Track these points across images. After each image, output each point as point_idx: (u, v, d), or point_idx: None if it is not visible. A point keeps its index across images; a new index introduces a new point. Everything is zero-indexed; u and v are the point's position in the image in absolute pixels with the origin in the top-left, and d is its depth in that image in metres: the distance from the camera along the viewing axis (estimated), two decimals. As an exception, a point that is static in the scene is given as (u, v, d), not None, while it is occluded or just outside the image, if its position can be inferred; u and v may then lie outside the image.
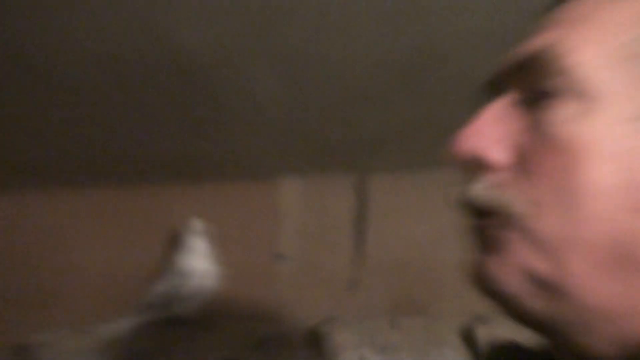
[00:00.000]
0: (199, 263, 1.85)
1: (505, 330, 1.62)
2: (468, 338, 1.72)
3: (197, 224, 1.86)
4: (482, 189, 0.52)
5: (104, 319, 1.88)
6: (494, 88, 0.57)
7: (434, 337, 1.74)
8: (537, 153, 0.50)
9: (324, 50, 1.37)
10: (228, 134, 1.74)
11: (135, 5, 1.23)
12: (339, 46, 1.36)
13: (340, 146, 1.81)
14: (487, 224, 0.52)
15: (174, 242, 1.92)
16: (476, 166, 0.53)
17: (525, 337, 0.59)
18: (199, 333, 1.85)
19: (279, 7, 1.23)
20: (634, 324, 0.47)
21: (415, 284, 1.86)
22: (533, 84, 0.52)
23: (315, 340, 1.78)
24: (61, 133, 1.72)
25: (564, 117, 0.49)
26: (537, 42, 0.52)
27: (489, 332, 1.67)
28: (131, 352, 1.85)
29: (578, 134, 0.48)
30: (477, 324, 1.69)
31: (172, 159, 1.86)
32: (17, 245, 2.03)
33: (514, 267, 0.50)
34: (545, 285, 0.49)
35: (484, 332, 1.66)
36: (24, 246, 2.02)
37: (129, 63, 1.40)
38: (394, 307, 1.85)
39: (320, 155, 1.86)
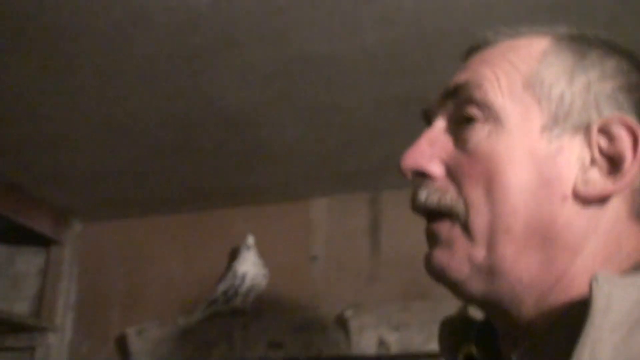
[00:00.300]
0: (251, 268, 1.93)
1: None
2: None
3: (249, 239, 1.95)
4: (427, 194, 0.54)
5: (182, 314, 2.00)
6: (428, 116, 0.60)
7: (438, 316, 1.70)
8: (465, 165, 0.52)
9: (337, 99, 1.51)
10: (268, 168, 1.87)
11: (191, 79, 1.42)
12: (344, 96, 1.49)
13: (356, 171, 1.89)
14: (439, 226, 0.54)
15: (232, 254, 2.03)
16: (420, 178, 0.55)
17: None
18: (252, 322, 1.91)
19: (296, 72, 1.39)
20: (554, 290, 0.49)
21: (421, 275, 1.72)
22: (456, 111, 0.55)
23: (342, 323, 1.81)
24: (143, 175, 1.91)
25: (481, 136, 0.52)
26: (457, 79, 0.56)
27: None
28: (202, 339, 1.93)
29: (493, 148, 0.51)
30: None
31: (227, 189, 2.01)
32: (113, 261, 2.20)
33: (460, 258, 0.51)
34: (483, 270, 0.50)
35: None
36: (119, 262, 2.20)
37: (190, 119, 1.60)
38: (405, 294, 1.85)
39: (341, 179, 1.95)
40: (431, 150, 0.55)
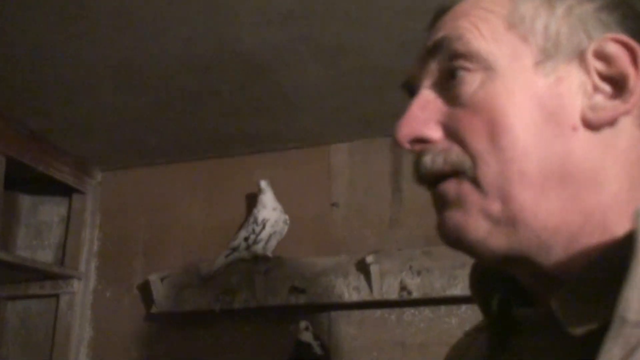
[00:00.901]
0: (271, 214, 1.94)
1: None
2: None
3: (261, 184, 1.95)
4: (430, 159, 0.52)
5: (204, 260, 2.01)
6: (410, 86, 0.58)
7: (459, 261, 1.71)
8: (463, 119, 0.50)
9: (354, 41, 1.48)
10: (288, 113, 1.86)
11: (208, 21, 1.39)
12: (366, 36, 1.46)
13: (378, 115, 1.87)
14: (446, 186, 0.51)
15: (253, 200, 2.03)
16: (420, 145, 0.53)
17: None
18: (274, 268, 1.92)
19: (319, 11, 1.36)
20: (586, 230, 0.47)
21: None
22: (441, 69, 0.53)
23: (364, 269, 1.82)
24: (162, 121, 1.90)
25: (474, 86, 0.50)
26: (436, 36, 0.54)
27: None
28: (224, 286, 1.95)
29: (489, 95, 0.49)
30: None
31: (247, 135, 2.01)
32: (135, 209, 2.23)
33: (475, 215, 0.48)
34: (502, 222, 0.48)
35: None
36: (141, 210, 2.22)
37: (207, 63, 1.58)
38: (427, 239, 1.84)
39: (361, 123, 1.94)
40: (424, 114, 0.53)
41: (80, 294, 2.12)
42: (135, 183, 2.23)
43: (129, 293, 2.12)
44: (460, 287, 1.73)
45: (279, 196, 1.98)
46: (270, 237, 1.93)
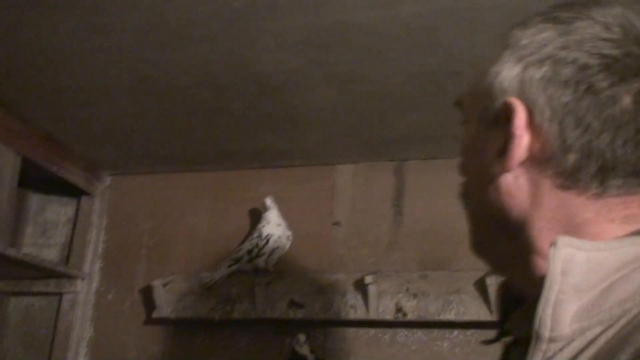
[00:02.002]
0: (276, 230, 1.97)
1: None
2: (480, 286, 1.76)
3: (267, 201, 1.99)
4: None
5: (206, 269, 2.06)
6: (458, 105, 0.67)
7: (454, 286, 1.79)
8: None
9: (366, 70, 1.54)
10: (296, 132, 1.90)
11: (228, 42, 1.44)
12: (377, 66, 1.51)
13: (382, 139, 1.92)
14: None
15: (256, 214, 2.07)
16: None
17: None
18: (274, 282, 1.95)
19: (335, 41, 1.41)
20: (519, 270, 0.54)
21: (440, 245, 1.92)
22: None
23: (361, 288, 1.85)
24: (174, 132, 1.94)
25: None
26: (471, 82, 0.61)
27: (496, 282, 1.66)
28: (224, 295, 1.98)
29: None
30: (487, 275, 1.72)
31: (255, 151, 2.05)
32: (141, 215, 2.26)
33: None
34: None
35: (491, 281, 1.70)
36: (146, 215, 2.26)
37: (222, 81, 1.62)
38: (424, 263, 1.91)
39: (367, 147, 1.98)
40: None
41: (83, 293, 2.15)
42: (142, 189, 2.27)
43: (131, 296, 2.15)
44: (454, 312, 1.77)
45: (282, 212, 2.01)
46: (273, 251, 1.96)
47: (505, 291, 0.62)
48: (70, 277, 2.14)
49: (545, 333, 0.44)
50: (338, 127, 1.84)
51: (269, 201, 1.98)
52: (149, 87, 1.65)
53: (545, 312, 0.44)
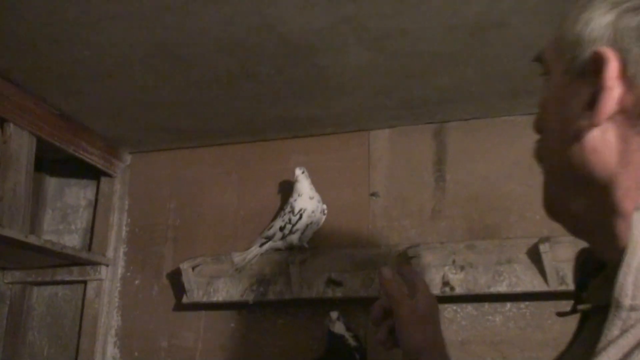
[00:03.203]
0: (309, 204, 1.99)
1: (561, 247, 1.69)
2: (534, 254, 1.75)
3: (297, 172, 1.99)
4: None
5: (236, 249, 2.08)
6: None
7: (504, 256, 1.77)
8: None
9: (401, 24, 1.51)
10: (328, 97, 1.89)
11: (251, 2, 1.42)
12: (413, 20, 1.48)
13: (421, 100, 1.91)
14: None
15: (289, 187, 2.08)
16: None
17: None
18: (310, 259, 1.97)
19: None
20: (600, 233, 0.54)
21: (487, 212, 1.92)
22: None
23: (404, 262, 1.85)
24: (196, 103, 1.95)
25: None
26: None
27: (551, 249, 1.70)
28: (257, 276, 2.01)
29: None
30: (541, 242, 1.70)
31: (285, 119, 2.06)
32: (165, 194, 2.30)
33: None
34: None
35: (545, 249, 1.69)
36: (171, 194, 2.29)
37: (246, 44, 1.61)
38: (471, 233, 1.90)
39: (404, 109, 1.97)
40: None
41: (108, 281, 2.20)
42: (165, 166, 2.29)
43: (159, 281, 2.19)
44: (506, 284, 1.76)
45: (316, 184, 2.02)
46: (307, 227, 1.98)
47: (584, 258, 0.62)
48: (94, 264, 2.18)
49: (626, 301, 0.44)
50: (372, 89, 1.83)
51: (299, 172, 1.99)
52: (168, 55, 1.65)
53: (627, 279, 0.44)
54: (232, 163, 2.23)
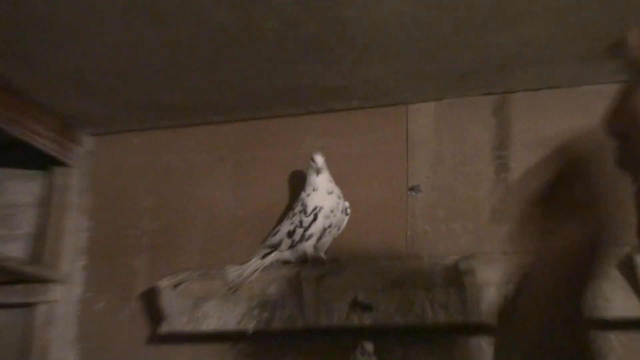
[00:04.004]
0: (325, 200, 1.99)
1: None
2: (626, 269, 1.74)
3: (317, 159, 1.99)
4: None
5: (231, 261, 2.07)
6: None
7: None
8: None
9: None
10: (352, 60, 1.89)
11: None
12: None
13: (475, 66, 1.92)
14: None
15: (301, 180, 2.09)
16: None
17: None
18: (329, 276, 1.96)
19: None
20: None
21: None
22: None
23: (455, 278, 1.85)
24: (181, 71, 1.95)
25: None
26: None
27: None
28: (260, 297, 2.01)
29: None
30: (636, 252, 1.69)
31: (296, 91, 2.07)
32: (138, 188, 2.32)
33: None
34: None
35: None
36: (145, 189, 2.32)
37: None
38: None
39: (454, 76, 1.98)
40: None
41: (63, 303, 2.20)
42: (139, 153, 2.30)
43: (129, 304, 2.19)
44: (589, 308, 1.73)
45: (336, 175, 2.02)
46: (324, 231, 1.98)
47: None
48: (43, 281, 2.17)
49: None
50: (412, 51, 1.82)
51: (318, 159, 1.98)
52: (143, 9, 1.64)
53: None
54: (226, 148, 2.25)
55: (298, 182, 2.11)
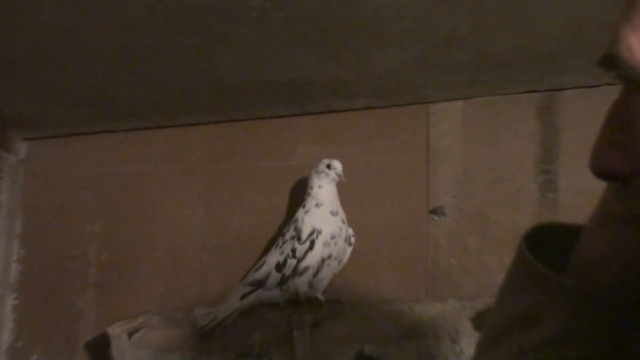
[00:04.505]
0: (324, 223, 1.96)
1: None
2: None
3: (337, 165, 1.97)
4: None
5: (203, 302, 2.06)
6: None
7: None
8: None
9: None
10: (363, 48, 1.87)
11: None
12: None
13: (516, 56, 1.89)
14: None
15: (291, 197, 2.11)
16: None
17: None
18: (328, 320, 1.95)
19: None
20: None
21: None
22: None
23: None
24: (132, 58, 1.92)
25: None
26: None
27: None
28: (238, 347, 1.99)
29: None
30: None
31: (288, 84, 2.03)
32: (81, 204, 2.29)
33: None
34: None
35: None
36: (90, 205, 2.29)
37: None
38: None
39: (488, 68, 1.95)
40: None
41: None
42: (84, 162, 2.28)
43: (72, 356, 2.16)
44: None
45: (338, 191, 1.99)
46: (322, 263, 1.95)
47: None
48: None
49: None
50: (435, 35, 1.80)
51: (337, 166, 1.96)
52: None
53: None
54: (196, 157, 2.23)
55: (289, 201, 2.10)
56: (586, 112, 2.01)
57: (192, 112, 2.18)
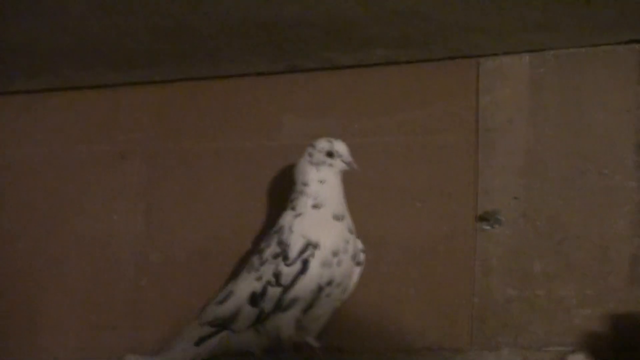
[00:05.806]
0: (325, 229, 1.86)
1: None
2: None
3: (341, 147, 1.87)
4: None
5: (137, 346, 1.97)
6: None
7: None
8: None
9: None
10: None
11: None
12: None
13: None
14: None
15: (275, 193, 2.03)
16: None
17: None
18: None
19: None
20: None
21: None
22: None
23: None
24: None
25: None
26: None
27: None
28: None
29: None
30: None
31: (279, 27, 1.96)
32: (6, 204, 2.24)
33: None
34: None
35: None
36: (17, 205, 2.21)
37: None
38: None
39: (570, 5, 1.85)
40: None
41: None
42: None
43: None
44: None
45: (345, 185, 1.90)
46: (318, 293, 1.85)
47: None
48: None
49: None
50: None
51: (341, 149, 1.86)
52: None
53: None
54: (132, 132, 2.15)
55: (269, 201, 2.03)
56: None
57: (125, 66, 2.12)
